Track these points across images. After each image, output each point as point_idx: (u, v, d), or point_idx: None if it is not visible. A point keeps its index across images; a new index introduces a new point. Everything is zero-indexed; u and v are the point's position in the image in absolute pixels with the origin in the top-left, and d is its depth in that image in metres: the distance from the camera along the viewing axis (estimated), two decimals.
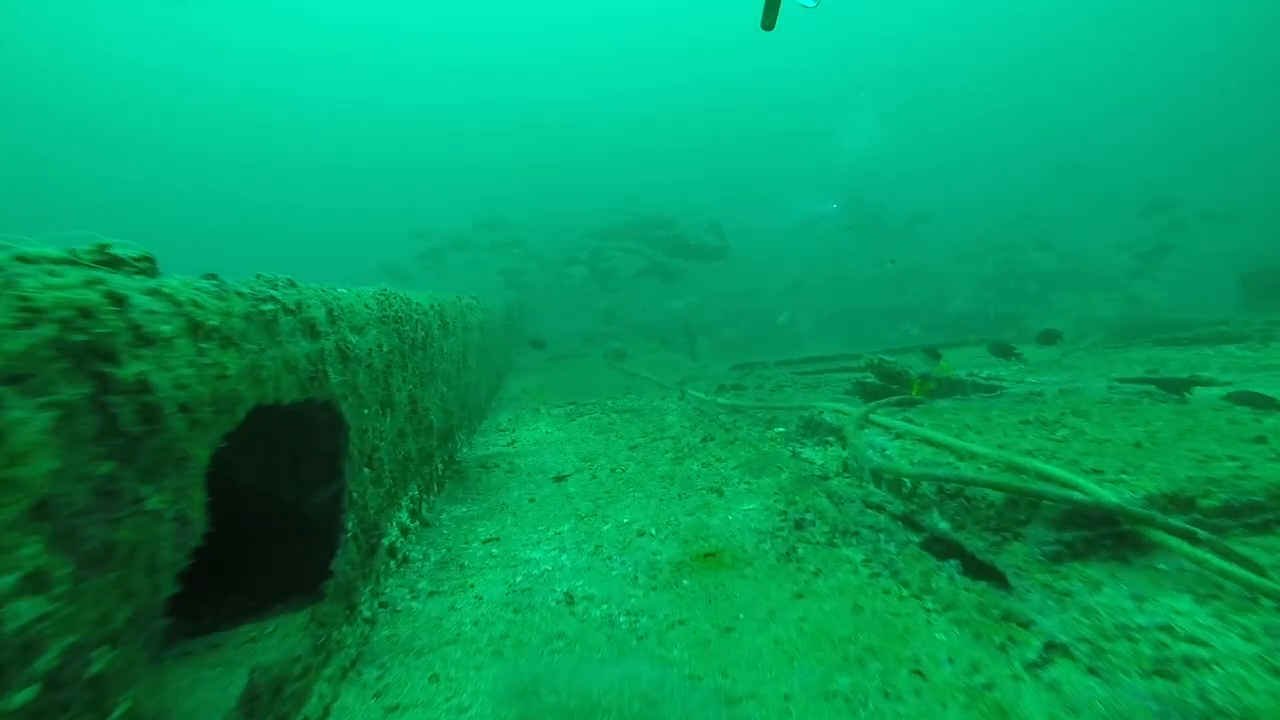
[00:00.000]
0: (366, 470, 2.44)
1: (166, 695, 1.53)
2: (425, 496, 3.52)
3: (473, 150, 50.83)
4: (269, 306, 1.67)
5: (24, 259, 1.02)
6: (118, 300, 1.09)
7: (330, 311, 2.17)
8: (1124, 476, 2.52)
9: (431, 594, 2.55)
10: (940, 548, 2.66)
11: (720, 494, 3.49)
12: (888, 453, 3.33)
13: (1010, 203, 28.75)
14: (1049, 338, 7.91)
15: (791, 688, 1.79)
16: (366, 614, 2.27)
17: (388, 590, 2.53)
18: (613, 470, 4.15)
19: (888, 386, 4.62)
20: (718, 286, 20.30)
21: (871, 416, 3.96)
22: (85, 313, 1.02)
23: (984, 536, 2.50)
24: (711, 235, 19.45)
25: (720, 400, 6.05)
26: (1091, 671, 1.73)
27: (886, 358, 4.92)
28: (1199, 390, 4.70)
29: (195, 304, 1.32)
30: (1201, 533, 2.09)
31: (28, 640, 0.89)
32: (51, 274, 1.01)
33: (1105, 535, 2.22)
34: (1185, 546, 2.07)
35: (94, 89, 51.40)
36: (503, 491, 3.89)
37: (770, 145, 49.72)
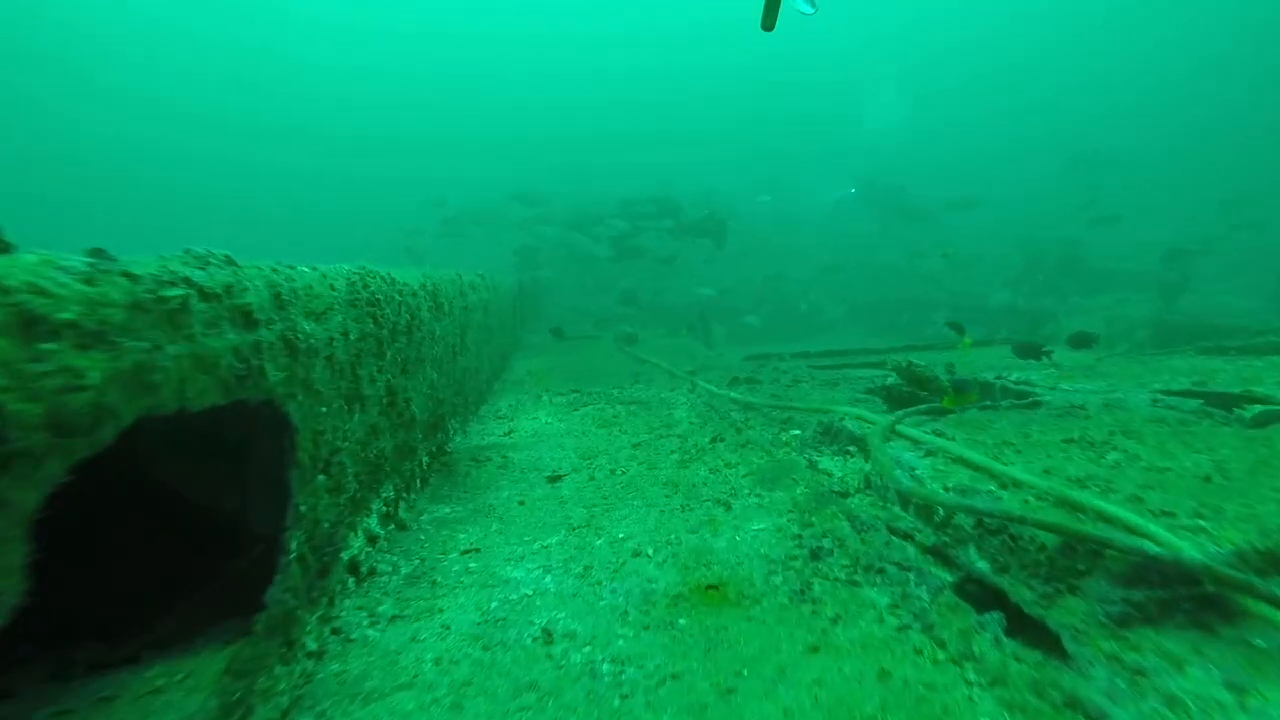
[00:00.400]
0: (322, 477, 2.13)
1: None
2: (405, 495, 3.21)
3: (503, 125, 50.24)
4: (175, 292, 1.34)
5: None
6: None
7: (277, 295, 1.84)
8: (1201, 522, 2.16)
9: (394, 619, 2.24)
10: (977, 590, 2.32)
11: (728, 508, 3.15)
12: (917, 473, 2.97)
13: (1042, 193, 27.84)
14: (1082, 341, 7.47)
15: None
16: (312, 646, 1.96)
17: (343, 614, 2.23)
18: (612, 471, 3.82)
19: (916, 393, 4.25)
20: (745, 272, 19.81)
21: (898, 427, 3.60)
22: None
23: (1032, 585, 2.15)
24: (709, 220, 18.82)
25: (733, 395, 5.70)
26: None
27: (916, 361, 4.54)
28: (1253, 408, 4.30)
29: (35, 290, 0.99)
30: None
31: None
32: None
33: (1184, 597, 1.86)
34: None
35: (105, 45, 50.97)
36: (491, 490, 3.58)
37: (795, 128, 48.92)
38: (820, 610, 2.16)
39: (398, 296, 3.04)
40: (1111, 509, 2.16)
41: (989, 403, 4.75)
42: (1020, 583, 2.19)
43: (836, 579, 2.35)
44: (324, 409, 2.13)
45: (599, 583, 2.45)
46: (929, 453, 3.17)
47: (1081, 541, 2.04)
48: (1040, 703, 1.59)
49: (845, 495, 3.25)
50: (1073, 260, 19.17)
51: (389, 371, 2.89)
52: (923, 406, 3.96)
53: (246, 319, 1.64)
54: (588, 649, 2.02)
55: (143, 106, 50.56)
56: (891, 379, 6.60)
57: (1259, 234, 19.43)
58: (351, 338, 2.38)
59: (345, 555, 2.34)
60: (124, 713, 1.45)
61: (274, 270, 1.92)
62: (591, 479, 3.71)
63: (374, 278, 2.78)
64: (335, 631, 2.13)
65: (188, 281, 1.41)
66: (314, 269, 2.25)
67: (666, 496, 3.37)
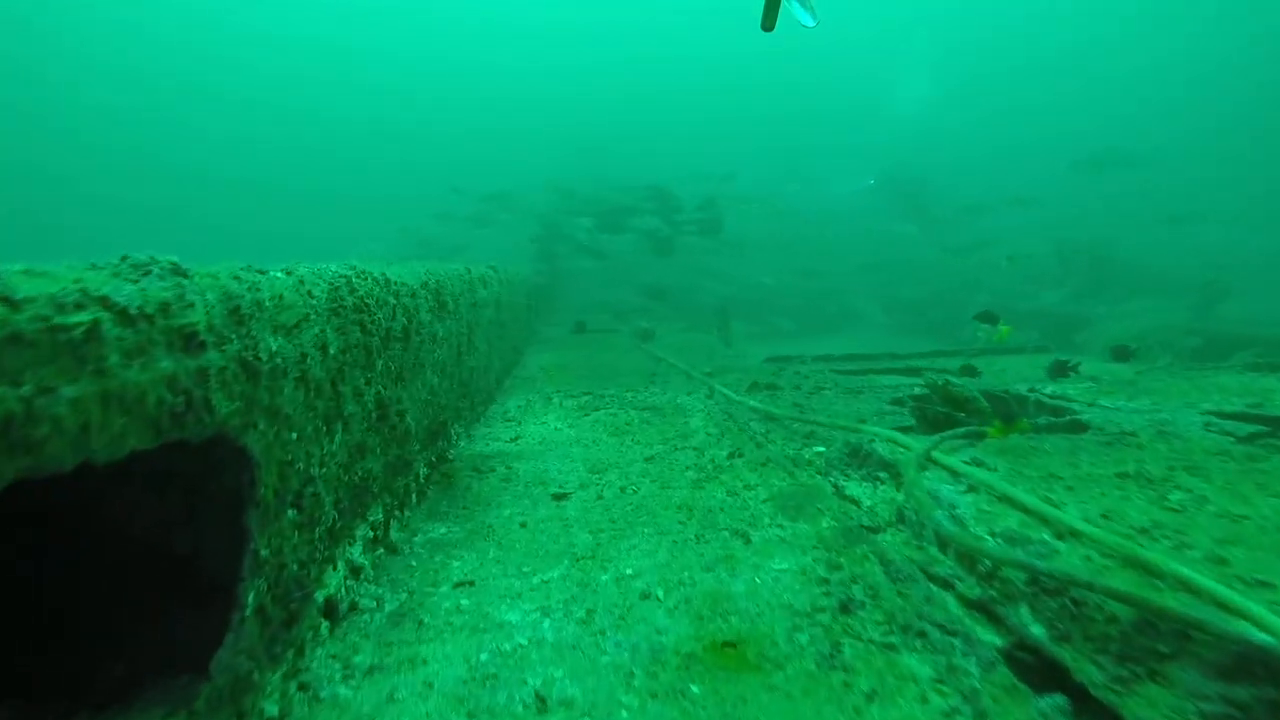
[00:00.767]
0: (292, 512, 1.88)
1: None
2: (397, 514, 2.97)
3: (532, 114, 49.88)
4: (78, 318, 1.09)
5: None
6: None
7: (235, 310, 1.58)
8: None
9: (371, 671, 1.99)
10: (1031, 660, 2.04)
11: (747, 541, 2.88)
12: (959, 512, 2.68)
13: (1072, 194, 26.93)
14: (1123, 354, 7.10)
15: None
16: (272, 711, 1.71)
17: (314, 664, 1.98)
18: (622, 489, 3.56)
19: (953, 414, 3.94)
20: (783, 268, 19.43)
21: (934, 454, 3.31)
22: None
23: (1100, 662, 1.86)
24: (705, 212, 18.31)
25: (752, 403, 5.41)
26: None
27: (953, 379, 4.22)
28: None
29: None
30: None
31: None
32: None
33: None
34: None
35: (127, 30, 51.02)
36: (492, 508, 3.33)
37: (814, 115, 48.17)
38: (853, 682, 1.88)
39: (392, 300, 2.78)
40: (1196, 577, 1.86)
41: (1025, 418, 4.44)
42: (1085, 657, 1.90)
43: (870, 640, 2.08)
44: (294, 435, 1.87)
45: (602, 632, 2.19)
46: (970, 488, 2.87)
47: (1164, 619, 1.75)
48: None
49: (875, 530, 2.96)
50: (1107, 262, 18.57)
51: (379, 383, 2.64)
52: (960, 430, 3.66)
53: (189, 341, 1.38)
54: None
55: (180, 94, 50.70)
56: (919, 388, 6.30)
57: None
58: (332, 351, 2.13)
59: (320, 595, 2.09)
60: None
61: (236, 278, 1.67)
62: (600, 498, 3.45)
63: (364, 279, 2.52)
64: (302, 687, 1.88)
65: (104, 303, 1.16)
66: (289, 273, 2.00)
67: (680, 523, 3.10)
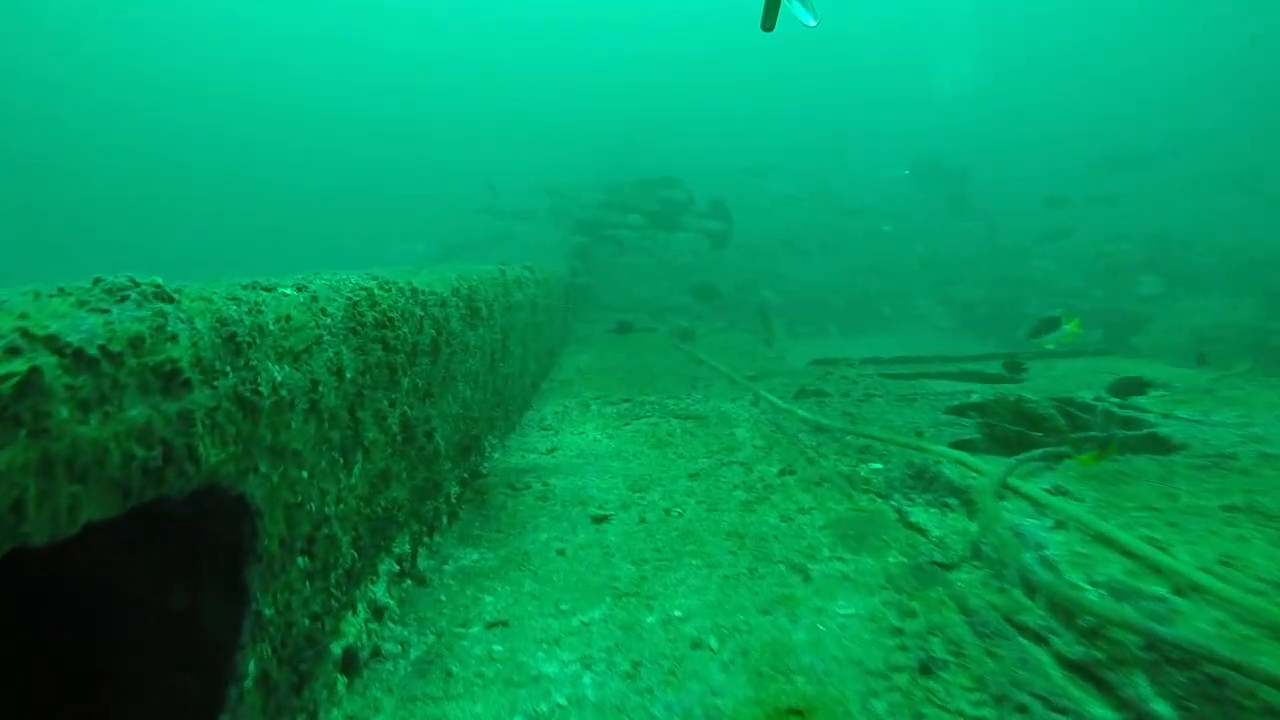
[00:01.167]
0: (303, 560, 1.66)
1: None
2: (426, 540, 2.76)
3: (563, 109, 49.71)
4: (11, 368, 0.86)
5: None
6: None
7: (232, 337, 1.36)
8: None
9: None
10: None
11: (806, 577, 2.60)
12: (1049, 554, 2.37)
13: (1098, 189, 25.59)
14: (1201, 359, 6.62)
15: None
16: None
17: None
18: (666, 511, 3.31)
19: (1026, 433, 3.60)
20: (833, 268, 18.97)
21: (1010, 479, 2.99)
22: None
23: None
24: (714, 216, 17.70)
25: (800, 412, 5.11)
26: None
27: (1026, 395, 3.88)
28: None
29: None
30: None
31: None
32: None
33: None
34: None
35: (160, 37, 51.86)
36: (528, 531, 3.10)
37: (851, 102, 47.20)
38: None
39: (419, 311, 2.56)
40: None
41: (1097, 431, 4.09)
42: None
43: (960, 714, 1.79)
44: (304, 473, 1.66)
45: (649, 691, 1.95)
46: (1059, 524, 2.56)
47: None
48: None
49: (949, 568, 2.66)
50: (1163, 258, 17.71)
51: (405, 403, 2.42)
52: (1036, 453, 3.32)
53: (169, 381, 1.16)
54: None
55: (234, 105, 51.67)
56: (976, 395, 5.93)
57: None
58: (349, 375, 1.91)
59: (337, 646, 1.88)
60: None
61: (234, 299, 1.45)
62: (643, 521, 3.21)
63: (387, 291, 2.30)
64: None
65: (50, 344, 0.94)
66: (301, 289, 1.78)
67: (731, 553, 2.84)
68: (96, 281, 1.19)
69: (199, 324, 1.28)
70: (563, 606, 2.45)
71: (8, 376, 0.86)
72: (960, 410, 5.38)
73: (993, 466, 3.17)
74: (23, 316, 0.95)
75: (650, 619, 2.35)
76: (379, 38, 58.03)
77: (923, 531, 3.04)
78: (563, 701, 1.91)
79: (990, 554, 2.64)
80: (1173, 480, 3.09)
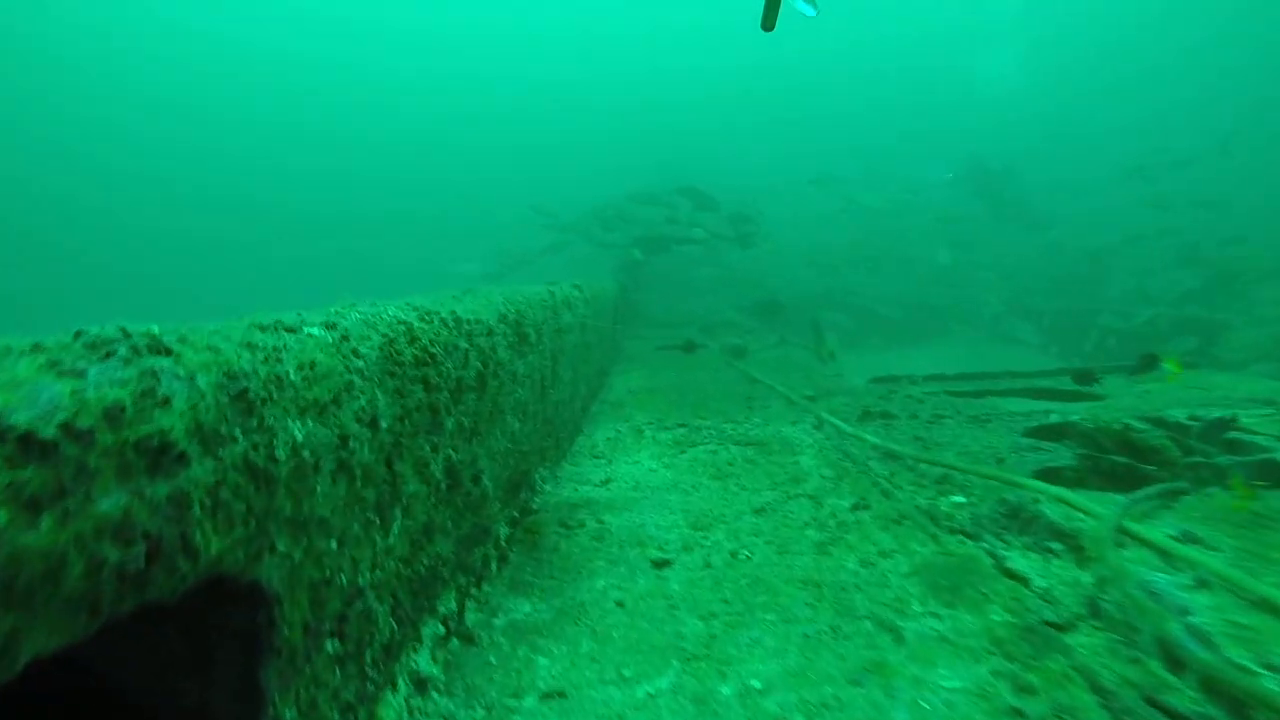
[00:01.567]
0: (333, 644, 1.44)
1: None
2: (474, 591, 2.53)
3: (607, 122, 49.92)
4: None
5: None
6: None
7: (240, 395, 1.15)
8: None
9: None
10: None
11: (898, 637, 2.30)
12: (1196, 622, 2.02)
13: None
14: None
15: None
16: None
17: None
18: (733, 554, 3.03)
19: (1137, 466, 3.22)
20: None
21: (1125, 522, 2.63)
22: None
23: None
24: (739, 225, 17.14)
25: (868, 436, 4.76)
26: None
27: (1134, 423, 3.48)
28: None
29: None
30: None
31: None
32: None
33: None
34: None
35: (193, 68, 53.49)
36: (583, 577, 2.85)
37: (893, 103, 46.28)
38: None
39: (464, 343, 2.35)
40: None
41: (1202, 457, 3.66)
42: None
43: None
44: (333, 543, 1.44)
45: None
46: (1201, 582, 2.20)
47: None
48: None
49: (1063, 629, 2.32)
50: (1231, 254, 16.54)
51: (449, 446, 2.20)
52: (1151, 490, 2.95)
53: (157, 458, 0.95)
54: None
55: (275, 136, 53.29)
56: (1055, 416, 5.51)
57: None
58: (385, 424, 1.69)
59: None
60: None
61: (248, 345, 1.24)
62: (708, 565, 2.93)
63: (429, 323, 2.09)
64: None
65: None
66: (330, 326, 1.57)
67: (809, 606, 2.55)
68: (78, 335, 0.99)
69: (201, 381, 1.07)
70: (625, 672, 2.19)
71: None
72: (1040, 432, 4.97)
73: (1101, 505, 2.81)
74: None
75: (725, 690, 2.07)
76: (432, 62, 59.34)
77: (1024, 581, 2.69)
78: None
79: (1111, 612, 2.29)
80: None
